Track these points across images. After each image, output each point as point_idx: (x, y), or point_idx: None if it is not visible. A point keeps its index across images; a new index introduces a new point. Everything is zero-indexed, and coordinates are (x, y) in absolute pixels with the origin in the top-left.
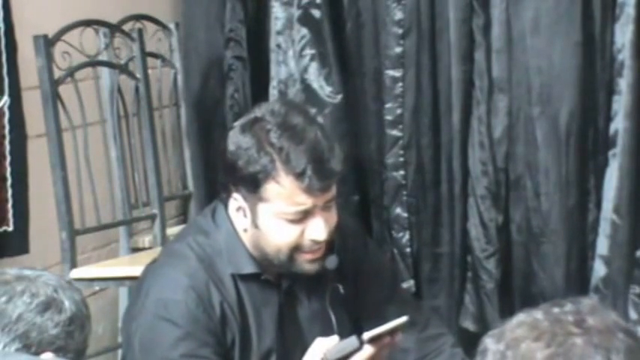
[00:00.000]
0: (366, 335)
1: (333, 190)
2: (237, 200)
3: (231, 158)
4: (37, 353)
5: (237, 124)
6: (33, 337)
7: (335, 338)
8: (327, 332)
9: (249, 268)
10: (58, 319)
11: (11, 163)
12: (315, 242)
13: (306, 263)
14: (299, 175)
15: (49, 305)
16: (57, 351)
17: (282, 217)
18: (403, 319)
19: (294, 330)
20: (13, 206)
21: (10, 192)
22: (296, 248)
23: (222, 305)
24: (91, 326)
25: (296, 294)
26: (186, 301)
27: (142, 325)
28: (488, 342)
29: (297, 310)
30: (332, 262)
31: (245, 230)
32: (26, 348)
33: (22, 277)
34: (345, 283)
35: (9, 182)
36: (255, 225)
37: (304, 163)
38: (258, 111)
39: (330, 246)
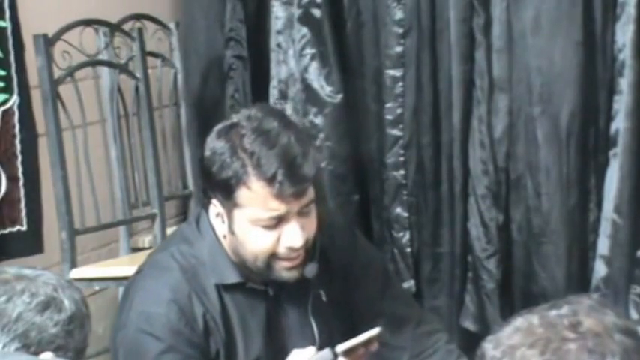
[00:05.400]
0: (340, 347)
1: (310, 195)
2: (215, 206)
3: (206, 164)
4: (37, 353)
5: (215, 129)
6: (32, 336)
7: (311, 349)
8: (310, 340)
9: (233, 278)
10: (58, 318)
11: (23, 163)
12: (291, 249)
13: (284, 271)
14: (269, 181)
15: (48, 304)
16: (57, 350)
17: (256, 224)
18: (376, 330)
19: (281, 337)
20: (26, 206)
21: (22, 191)
22: (272, 255)
23: (205, 317)
24: (90, 325)
25: (282, 301)
26: (168, 315)
27: (126, 337)
28: (487, 347)
29: (283, 318)
30: (310, 270)
31: (224, 237)
32: (26, 347)
33: (22, 276)
34: (334, 282)
35: (21, 182)
36: (231, 231)
37: (275, 168)
38: (236, 116)
39: (311, 253)
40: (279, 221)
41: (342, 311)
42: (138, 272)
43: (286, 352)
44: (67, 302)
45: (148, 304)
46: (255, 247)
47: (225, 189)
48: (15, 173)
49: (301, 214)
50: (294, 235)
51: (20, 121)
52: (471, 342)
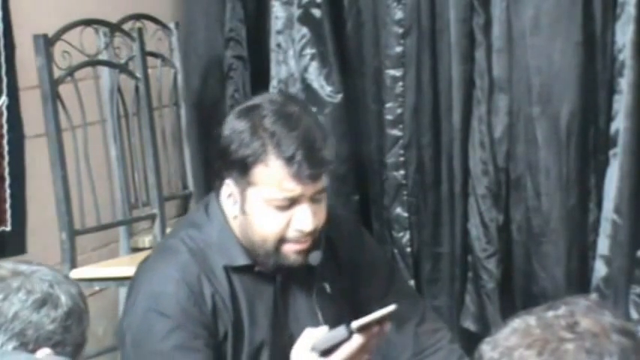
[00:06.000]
0: (355, 324)
1: (324, 182)
2: (228, 186)
3: (224, 142)
4: (34, 350)
5: (235, 110)
6: (29, 334)
7: (324, 328)
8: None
9: (241, 260)
10: (55, 314)
11: (9, 163)
12: (301, 233)
13: (292, 254)
14: (288, 160)
15: (45, 301)
16: (54, 346)
17: (270, 204)
18: (391, 307)
19: (286, 323)
20: (12, 206)
21: (8, 192)
22: (282, 239)
23: (213, 298)
24: (89, 319)
25: (290, 288)
26: (177, 294)
27: (134, 319)
28: (484, 349)
29: (290, 304)
30: (315, 258)
31: (235, 217)
32: (23, 346)
33: (18, 272)
34: (340, 275)
35: (7, 182)
36: (243, 211)
37: (294, 149)
38: (257, 99)
39: (317, 242)
40: (292, 203)
41: (347, 303)
42: (146, 259)
43: (291, 339)
44: (63, 298)
45: (157, 284)
46: (266, 228)
47: (242, 166)
48: (2, 173)
49: (313, 200)
50: (305, 219)
51: (8, 121)
52: (471, 342)
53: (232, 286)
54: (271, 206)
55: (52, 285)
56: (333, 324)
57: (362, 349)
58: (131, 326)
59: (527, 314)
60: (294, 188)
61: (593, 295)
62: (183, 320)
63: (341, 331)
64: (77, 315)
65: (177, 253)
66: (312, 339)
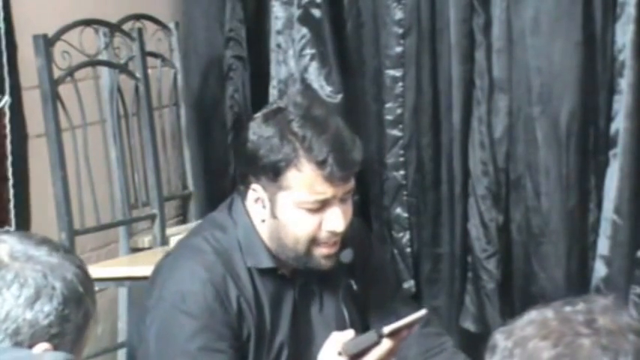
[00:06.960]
0: (386, 329)
1: (352, 184)
2: (256, 191)
3: (252, 147)
4: (30, 347)
5: (259, 114)
6: (24, 332)
7: (350, 332)
8: (339, 329)
9: (266, 263)
10: (49, 308)
11: (13, 163)
12: (333, 234)
13: (322, 258)
14: (321, 163)
15: (38, 295)
16: (52, 339)
17: (301, 207)
18: (422, 312)
19: (307, 326)
20: (15, 206)
21: (12, 192)
22: (313, 241)
23: (239, 300)
24: (93, 297)
25: (310, 290)
26: (204, 294)
27: (159, 317)
28: (498, 338)
29: (310, 307)
30: (347, 255)
31: (263, 221)
32: (18, 345)
33: (15, 258)
34: (356, 279)
35: (11, 182)
36: (273, 215)
37: (326, 152)
38: (281, 102)
39: (345, 242)
40: (322, 205)
41: (363, 304)
42: (168, 255)
43: (311, 341)
44: (58, 287)
45: (183, 283)
46: (298, 230)
47: (273, 171)
48: (5, 173)
49: (342, 200)
50: (336, 220)
51: (11, 121)
52: (470, 342)
53: (256, 289)
54: (302, 209)
55: (46, 275)
56: (357, 323)
57: (390, 353)
58: (156, 323)
59: (545, 307)
60: (325, 191)
61: (612, 296)
62: (209, 320)
63: (371, 335)
64: (74, 301)
65: (202, 253)
66: (338, 343)
